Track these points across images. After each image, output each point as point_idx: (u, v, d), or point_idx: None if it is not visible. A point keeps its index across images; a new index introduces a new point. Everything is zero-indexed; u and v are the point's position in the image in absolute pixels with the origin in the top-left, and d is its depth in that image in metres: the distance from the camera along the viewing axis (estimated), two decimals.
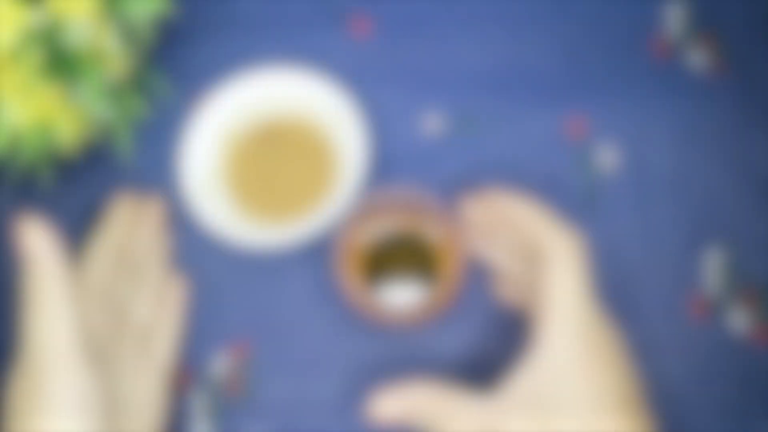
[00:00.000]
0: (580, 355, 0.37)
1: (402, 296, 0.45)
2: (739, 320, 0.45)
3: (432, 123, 0.49)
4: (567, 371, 0.37)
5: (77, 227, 0.48)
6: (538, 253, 0.39)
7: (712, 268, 0.46)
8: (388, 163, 0.48)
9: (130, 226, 0.47)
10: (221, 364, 0.46)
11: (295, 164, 0.48)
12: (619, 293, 0.45)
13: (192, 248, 0.48)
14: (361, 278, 0.44)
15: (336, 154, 0.47)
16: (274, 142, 0.48)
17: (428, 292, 0.45)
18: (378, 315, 0.43)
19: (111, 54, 0.45)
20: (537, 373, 0.37)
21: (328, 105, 0.47)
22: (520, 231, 0.41)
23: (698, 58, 0.50)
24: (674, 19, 0.50)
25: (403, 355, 0.45)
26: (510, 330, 0.44)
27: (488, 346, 0.45)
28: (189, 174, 0.46)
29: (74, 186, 0.49)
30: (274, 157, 0.48)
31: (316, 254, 0.46)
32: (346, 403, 0.45)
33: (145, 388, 0.43)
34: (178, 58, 0.50)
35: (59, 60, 0.43)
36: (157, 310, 0.46)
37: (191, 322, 0.46)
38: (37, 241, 0.39)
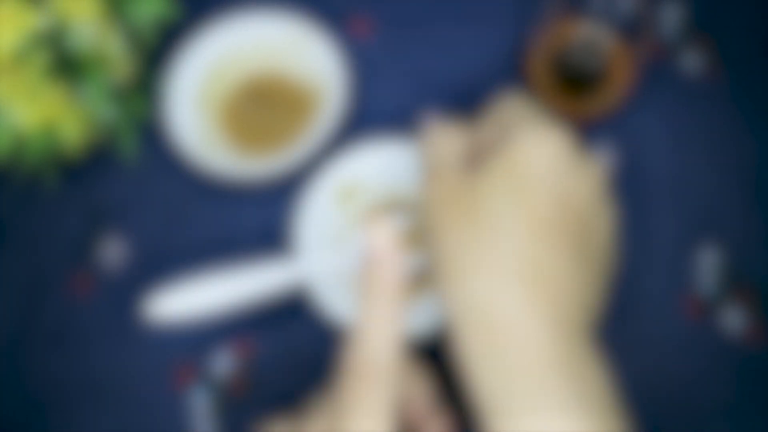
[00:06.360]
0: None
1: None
2: (734, 320, 0.46)
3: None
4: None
5: (82, 229, 0.48)
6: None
7: (707, 268, 0.47)
8: None
9: None
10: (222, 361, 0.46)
11: (276, 110, 0.49)
12: (613, 293, 0.46)
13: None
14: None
15: (317, 102, 0.48)
16: (258, 90, 0.49)
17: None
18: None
19: (115, 56, 0.45)
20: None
21: (311, 54, 0.48)
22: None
23: (694, 61, 0.50)
24: (670, 22, 0.51)
25: None
26: None
27: None
28: (177, 105, 0.47)
29: (79, 188, 0.49)
30: (258, 104, 0.49)
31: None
32: None
33: None
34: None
35: (64, 63, 0.43)
36: None
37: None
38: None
